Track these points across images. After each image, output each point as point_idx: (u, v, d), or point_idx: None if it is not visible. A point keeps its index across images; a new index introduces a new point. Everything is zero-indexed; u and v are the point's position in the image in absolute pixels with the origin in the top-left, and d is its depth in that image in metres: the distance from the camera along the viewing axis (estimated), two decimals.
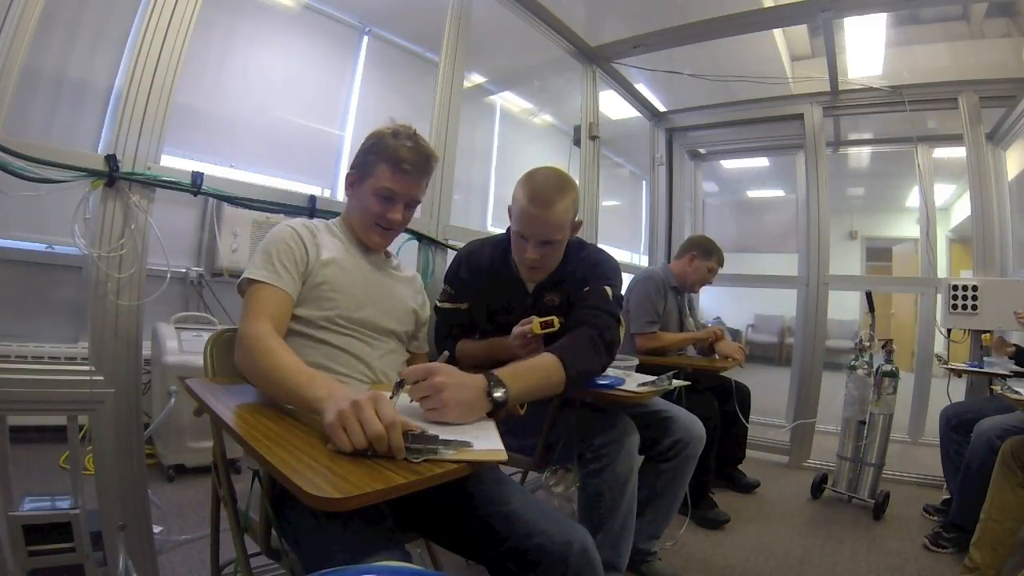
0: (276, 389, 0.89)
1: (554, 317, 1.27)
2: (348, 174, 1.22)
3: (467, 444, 0.75)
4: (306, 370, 0.89)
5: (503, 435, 0.82)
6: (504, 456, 0.76)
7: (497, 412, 0.93)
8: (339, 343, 1.09)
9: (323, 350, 1.08)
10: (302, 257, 1.10)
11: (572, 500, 1.56)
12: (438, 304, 1.56)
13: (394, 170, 1.15)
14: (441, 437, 0.73)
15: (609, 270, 1.45)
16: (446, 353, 1.07)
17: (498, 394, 0.93)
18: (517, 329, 1.32)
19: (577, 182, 1.85)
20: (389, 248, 1.32)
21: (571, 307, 1.39)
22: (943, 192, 5.62)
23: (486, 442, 0.78)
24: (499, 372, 0.97)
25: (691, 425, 1.65)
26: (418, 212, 1.87)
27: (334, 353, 1.08)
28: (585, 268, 1.45)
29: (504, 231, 1.53)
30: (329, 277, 1.11)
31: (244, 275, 1.06)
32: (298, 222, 1.16)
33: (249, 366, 0.94)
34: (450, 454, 0.72)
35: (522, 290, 1.49)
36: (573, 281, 1.44)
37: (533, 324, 1.27)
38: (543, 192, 1.32)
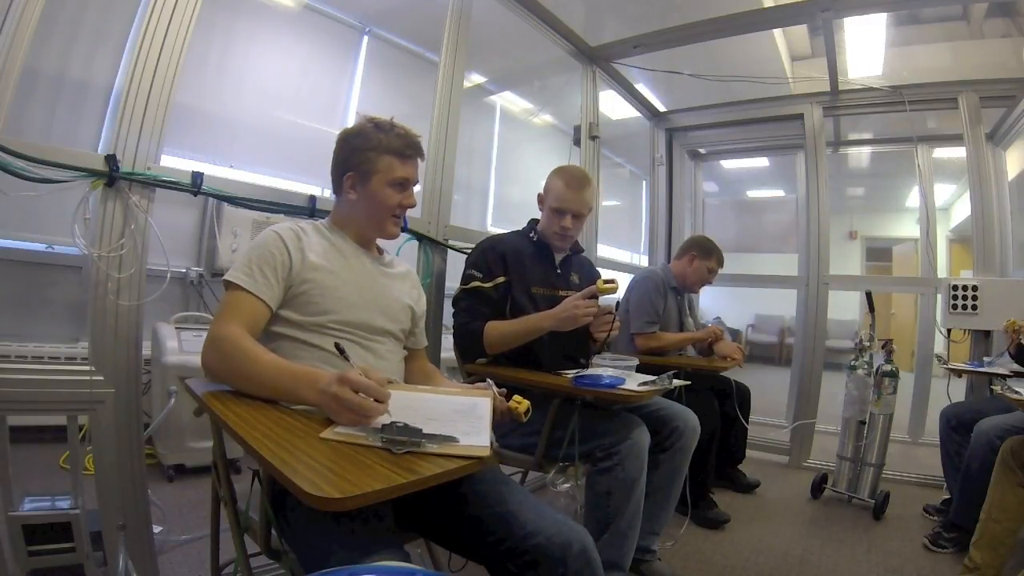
0: (260, 389, 0.95)
1: (614, 279, 1.49)
2: (347, 176, 1.19)
3: (452, 439, 0.74)
4: (287, 368, 0.95)
5: (505, 435, 0.82)
6: (486, 452, 0.76)
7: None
8: (333, 347, 1.08)
9: (317, 354, 1.06)
10: (284, 263, 1.08)
11: (576, 498, 1.56)
12: (465, 288, 1.65)
13: (401, 159, 1.18)
14: (425, 431, 0.73)
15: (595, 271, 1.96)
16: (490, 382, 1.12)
17: None
18: (577, 295, 1.53)
19: None
20: (381, 246, 1.31)
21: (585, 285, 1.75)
22: (943, 192, 5.60)
23: (474, 438, 0.78)
24: None
25: (686, 416, 1.67)
26: (418, 212, 1.89)
27: (330, 357, 1.06)
28: (586, 264, 1.95)
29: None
30: (316, 280, 1.10)
31: (225, 275, 1.07)
32: (285, 225, 1.15)
33: (227, 367, 0.97)
34: (433, 448, 0.71)
35: (552, 262, 1.79)
36: (581, 269, 1.89)
37: (598, 282, 1.49)
38: (577, 177, 1.73)
